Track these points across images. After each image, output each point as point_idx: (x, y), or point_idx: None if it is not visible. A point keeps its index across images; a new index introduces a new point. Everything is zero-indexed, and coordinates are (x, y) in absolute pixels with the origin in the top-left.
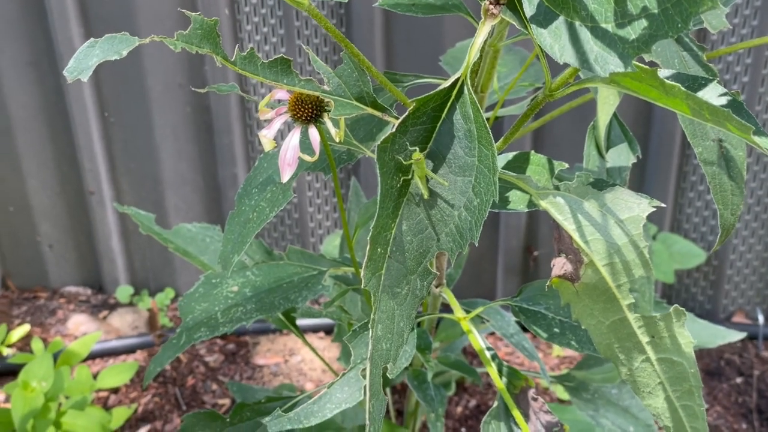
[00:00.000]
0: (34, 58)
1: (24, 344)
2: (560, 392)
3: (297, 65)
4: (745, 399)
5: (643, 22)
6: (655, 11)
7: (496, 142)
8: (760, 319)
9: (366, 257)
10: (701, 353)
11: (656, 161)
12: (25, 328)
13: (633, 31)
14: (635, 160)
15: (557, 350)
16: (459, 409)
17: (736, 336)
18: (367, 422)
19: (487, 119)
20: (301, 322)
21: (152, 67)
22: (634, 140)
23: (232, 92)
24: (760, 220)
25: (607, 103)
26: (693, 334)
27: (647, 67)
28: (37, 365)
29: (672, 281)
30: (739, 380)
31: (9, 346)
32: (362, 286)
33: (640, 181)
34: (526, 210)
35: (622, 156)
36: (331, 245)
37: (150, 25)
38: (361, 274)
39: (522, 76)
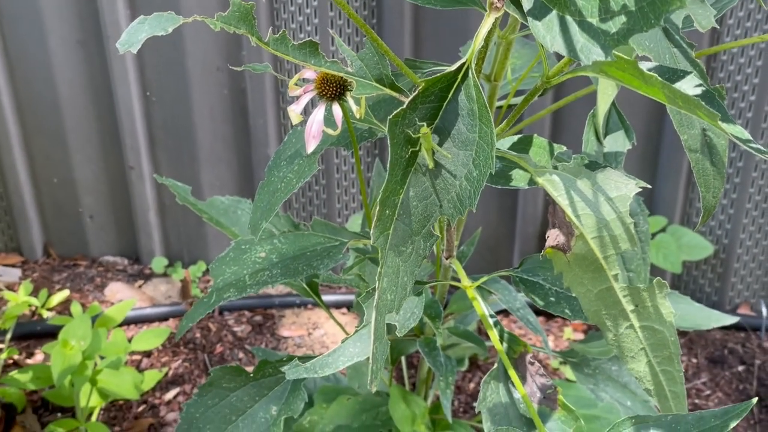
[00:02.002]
0: (83, 38)
1: (63, 308)
2: (568, 373)
3: (329, 52)
4: (746, 386)
5: (623, 18)
6: (633, 9)
7: (508, 125)
8: (764, 311)
9: (375, 218)
10: (706, 341)
11: (668, 156)
12: (65, 293)
13: (614, 25)
14: (630, 147)
15: (568, 333)
16: (472, 385)
17: (729, 320)
18: (371, 362)
19: (501, 107)
20: (325, 297)
21: (193, 50)
22: (631, 128)
23: (267, 74)
24: (767, 216)
25: (606, 93)
26: (689, 316)
27: (628, 58)
28: (76, 325)
29: (679, 271)
30: (740, 368)
31: (49, 309)
32: (371, 243)
33: (652, 174)
34: (527, 187)
35: (618, 142)
36: (356, 223)
37: (194, 9)
38: (371, 232)
39: (534, 67)
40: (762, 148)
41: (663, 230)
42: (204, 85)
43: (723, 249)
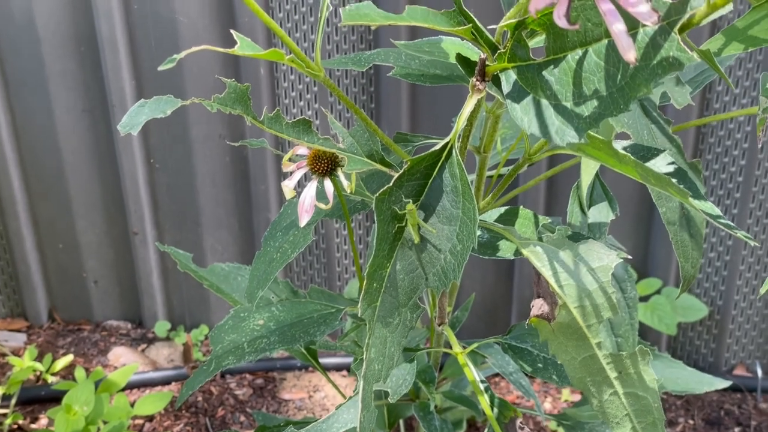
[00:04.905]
0: (88, 106)
1: (67, 373)
2: None
3: (325, 121)
4: None
5: (595, 102)
6: (604, 94)
7: (494, 198)
8: (759, 372)
9: (363, 291)
10: (703, 403)
11: (661, 219)
12: (69, 358)
13: (586, 109)
14: (614, 217)
15: (566, 394)
16: None
17: (722, 384)
18: (359, 430)
19: (490, 176)
20: (325, 360)
21: (195, 118)
22: (614, 199)
23: (263, 146)
24: (760, 278)
25: (589, 166)
26: (681, 380)
27: (603, 138)
28: (80, 391)
29: (674, 333)
30: (737, 430)
31: (53, 374)
32: (359, 315)
33: (646, 236)
34: (513, 257)
35: (602, 213)
36: (354, 288)
37: (195, 79)
38: (359, 305)
39: (522, 138)
40: (731, 224)
41: (658, 292)
42: (206, 152)
43: (717, 310)
